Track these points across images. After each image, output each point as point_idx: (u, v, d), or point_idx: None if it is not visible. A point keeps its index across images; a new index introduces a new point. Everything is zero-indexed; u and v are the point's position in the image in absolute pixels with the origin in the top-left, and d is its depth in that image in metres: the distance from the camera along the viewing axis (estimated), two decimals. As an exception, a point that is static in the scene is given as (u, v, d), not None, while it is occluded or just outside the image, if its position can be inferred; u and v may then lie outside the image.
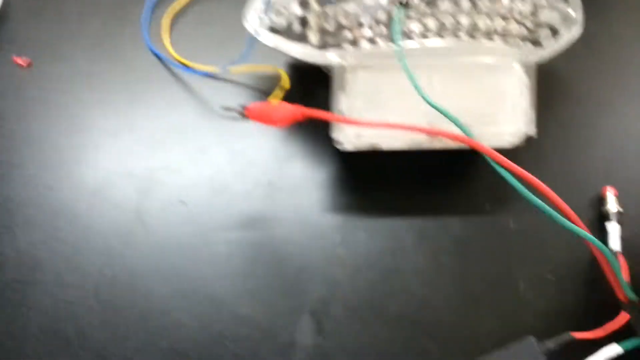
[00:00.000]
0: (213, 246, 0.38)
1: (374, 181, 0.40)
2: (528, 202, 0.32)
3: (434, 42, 0.37)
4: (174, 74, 0.44)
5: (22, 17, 0.46)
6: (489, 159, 0.32)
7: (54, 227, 0.38)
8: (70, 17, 0.46)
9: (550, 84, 0.43)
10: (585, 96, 0.43)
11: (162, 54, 0.44)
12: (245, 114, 0.34)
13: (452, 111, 0.36)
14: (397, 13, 0.34)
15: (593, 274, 0.36)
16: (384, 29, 0.37)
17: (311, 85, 0.41)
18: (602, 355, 0.32)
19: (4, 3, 0.46)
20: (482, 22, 0.37)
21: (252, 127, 0.40)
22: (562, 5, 0.37)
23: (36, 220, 0.39)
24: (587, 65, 0.44)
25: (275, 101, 0.37)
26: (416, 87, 0.32)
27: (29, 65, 0.44)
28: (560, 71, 0.44)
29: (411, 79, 0.32)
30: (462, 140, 0.31)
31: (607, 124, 0.42)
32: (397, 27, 0.34)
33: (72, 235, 0.38)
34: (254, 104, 0.34)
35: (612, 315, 0.33)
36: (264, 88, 0.43)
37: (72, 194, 0.39)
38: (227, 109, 0.34)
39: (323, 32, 0.37)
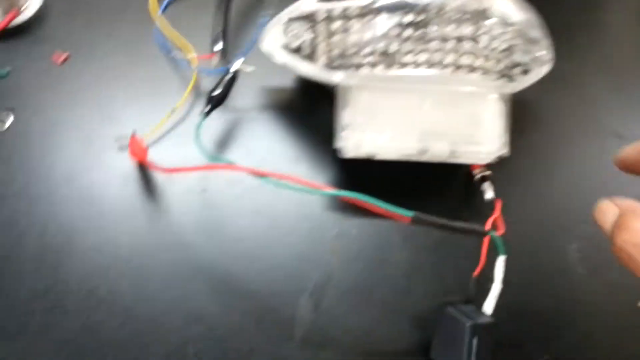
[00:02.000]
0: (230, 228, 0.44)
1: (368, 186, 0.46)
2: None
3: (423, 71, 0.43)
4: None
5: (59, 15, 0.52)
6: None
7: (89, 203, 0.44)
8: (103, 18, 0.52)
9: (523, 112, 0.50)
10: (552, 124, 0.51)
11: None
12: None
13: (441, 130, 0.43)
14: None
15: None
16: (382, 56, 0.43)
17: (314, 98, 0.49)
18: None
19: (43, 3, 0.51)
20: (465, 59, 0.43)
21: (266, 131, 0.47)
22: (534, 48, 0.44)
23: (74, 199, 0.44)
24: (556, 97, 0.52)
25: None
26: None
27: (65, 60, 0.50)
28: (532, 101, 0.51)
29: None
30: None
31: (568, 151, 0.50)
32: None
33: (104, 216, 0.44)
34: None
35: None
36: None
37: (103, 178, 0.45)
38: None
39: (329, 55, 0.43)
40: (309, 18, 0.43)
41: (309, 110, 0.49)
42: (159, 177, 0.45)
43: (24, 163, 0.45)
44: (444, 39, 0.42)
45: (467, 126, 0.43)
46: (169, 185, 0.45)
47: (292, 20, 0.44)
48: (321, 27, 0.43)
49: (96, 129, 0.47)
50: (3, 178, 0.44)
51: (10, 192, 0.43)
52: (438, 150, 0.43)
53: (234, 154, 0.47)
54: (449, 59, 0.43)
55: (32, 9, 0.51)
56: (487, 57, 0.43)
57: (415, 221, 0.38)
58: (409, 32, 0.43)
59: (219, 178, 0.46)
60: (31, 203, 0.43)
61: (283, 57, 0.44)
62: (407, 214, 0.38)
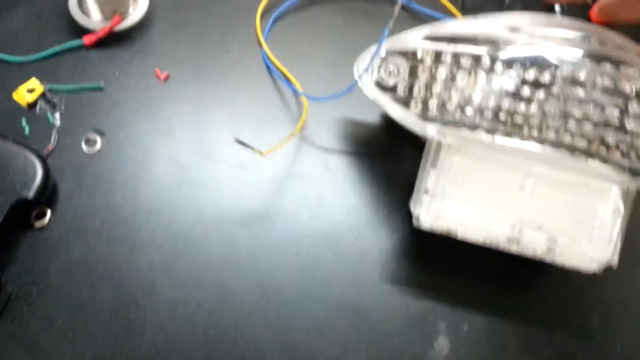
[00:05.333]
0: (314, 301, 0.38)
1: (439, 261, 0.40)
2: None
3: (534, 147, 0.35)
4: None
5: (164, 30, 0.47)
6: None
7: (173, 249, 0.40)
8: (210, 38, 0.47)
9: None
10: None
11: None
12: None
13: (540, 219, 0.35)
14: None
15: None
16: (488, 119, 0.36)
17: (398, 142, 0.43)
18: None
19: (147, 13, 0.47)
20: (592, 145, 0.36)
21: (338, 166, 0.42)
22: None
23: (157, 240, 0.40)
24: None
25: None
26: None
27: (167, 78, 0.45)
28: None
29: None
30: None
31: None
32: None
33: (187, 261, 0.39)
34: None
35: None
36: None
37: (194, 218, 0.40)
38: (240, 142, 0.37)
39: (426, 104, 0.37)
40: (411, 57, 0.37)
41: (392, 151, 0.43)
42: (248, 227, 0.40)
43: (108, 196, 0.41)
44: (573, 115, 0.34)
45: (574, 221, 0.35)
46: (258, 239, 0.40)
47: (390, 54, 0.37)
48: (423, 70, 0.37)
49: (192, 163, 0.42)
50: (83, 211, 0.40)
51: (90, 228, 0.40)
52: (532, 243, 0.35)
53: (302, 181, 0.42)
54: (574, 140, 0.35)
55: (136, 16, 0.47)
56: (613, 147, 0.35)
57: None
58: (528, 94, 0.36)
59: (314, 239, 0.40)
60: (111, 243, 0.39)
61: (374, 93, 0.38)
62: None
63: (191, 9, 0.48)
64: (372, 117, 0.44)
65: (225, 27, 0.48)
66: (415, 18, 0.49)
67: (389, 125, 0.39)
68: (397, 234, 0.40)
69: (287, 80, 0.45)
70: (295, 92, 0.45)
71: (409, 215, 0.40)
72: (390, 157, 0.43)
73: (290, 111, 0.44)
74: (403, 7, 0.49)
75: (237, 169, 0.42)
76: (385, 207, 0.41)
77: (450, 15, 0.48)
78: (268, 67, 0.46)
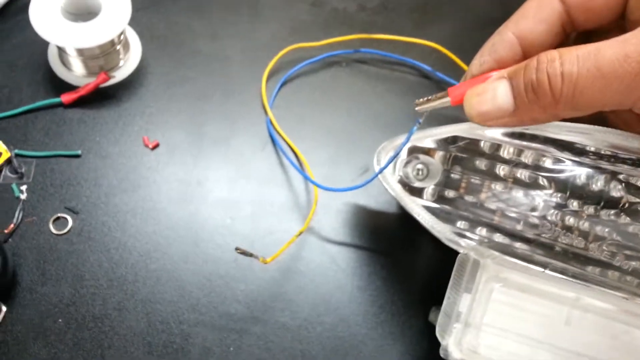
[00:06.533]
0: None
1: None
2: None
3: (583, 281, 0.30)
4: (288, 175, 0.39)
5: (156, 89, 0.42)
6: None
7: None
8: (208, 101, 0.41)
9: None
10: None
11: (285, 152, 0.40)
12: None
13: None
14: None
15: None
16: (531, 242, 0.31)
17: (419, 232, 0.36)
18: None
19: (137, 68, 0.42)
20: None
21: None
22: None
23: (130, 348, 0.34)
24: None
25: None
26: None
27: (155, 147, 0.39)
28: None
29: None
30: None
31: None
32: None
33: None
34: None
35: None
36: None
37: (176, 321, 0.34)
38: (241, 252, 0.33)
39: (458, 217, 0.31)
40: (444, 160, 0.32)
41: (407, 249, 0.37)
42: (243, 344, 0.34)
43: (75, 287, 0.35)
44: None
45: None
46: (254, 351, 0.34)
47: (419, 151, 0.32)
48: (458, 177, 0.31)
49: (178, 249, 0.36)
50: (46, 307, 0.34)
51: (52, 330, 0.33)
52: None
53: (305, 279, 0.36)
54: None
55: (125, 72, 0.41)
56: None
57: None
58: (576, 218, 0.30)
59: (319, 357, 0.34)
60: (77, 349, 0.33)
61: (396, 191, 0.32)
62: None
63: (189, 67, 0.42)
64: (388, 205, 0.39)
65: (227, 89, 0.42)
66: (440, 89, 0.43)
67: (408, 215, 0.33)
68: (416, 353, 0.34)
69: (298, 162, 0.39)
70: (305, 178, 0.39)
71: (428, 327, 0.34)
72: (407, 253, 0.37)
73: (294, 192, 0.39)
74: (427, 76, 0.43)
75: (231, 261, 0.36)
76: (402, 314, 0.36)
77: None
78: (272, 138, 0.40)
